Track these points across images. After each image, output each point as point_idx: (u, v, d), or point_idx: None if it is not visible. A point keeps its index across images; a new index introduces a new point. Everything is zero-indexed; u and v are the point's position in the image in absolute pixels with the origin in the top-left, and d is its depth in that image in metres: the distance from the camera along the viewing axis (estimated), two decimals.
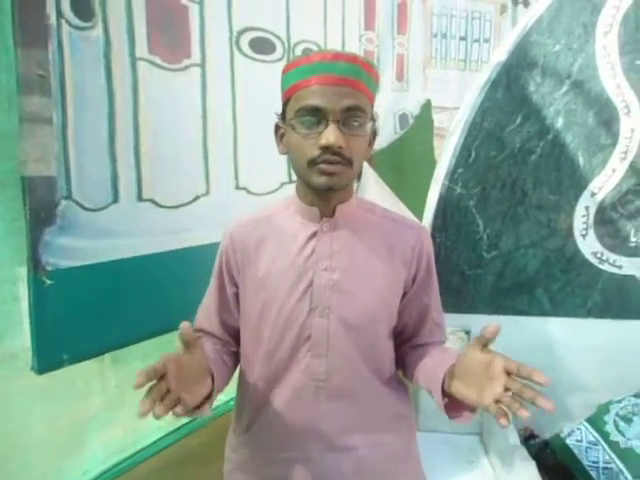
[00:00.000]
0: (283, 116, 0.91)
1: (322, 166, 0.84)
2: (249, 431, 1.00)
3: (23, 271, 1.21)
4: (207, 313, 1.04)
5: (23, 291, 1.23)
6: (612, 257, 1.56)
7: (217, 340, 1.04)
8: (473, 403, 0.78)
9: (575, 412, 1.58)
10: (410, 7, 2.38)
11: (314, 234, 0.93)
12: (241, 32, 1.67)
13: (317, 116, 0.83)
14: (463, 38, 2.58)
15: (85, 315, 1.32)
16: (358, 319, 0.93)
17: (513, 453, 1.36)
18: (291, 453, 0.96)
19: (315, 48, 1.93)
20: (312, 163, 0.84)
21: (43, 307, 1.22)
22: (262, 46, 1.74)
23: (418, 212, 1.61)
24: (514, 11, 2.62)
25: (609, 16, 1.42)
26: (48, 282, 1.22)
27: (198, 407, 0.80)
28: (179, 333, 0.77)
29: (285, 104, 0.89)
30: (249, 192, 1.78)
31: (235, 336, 1.04)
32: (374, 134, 0.93)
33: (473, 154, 1.50)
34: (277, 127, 0.93)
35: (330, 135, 0.81)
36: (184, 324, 0.77)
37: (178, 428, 1.74)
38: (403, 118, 2.46)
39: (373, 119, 0.89)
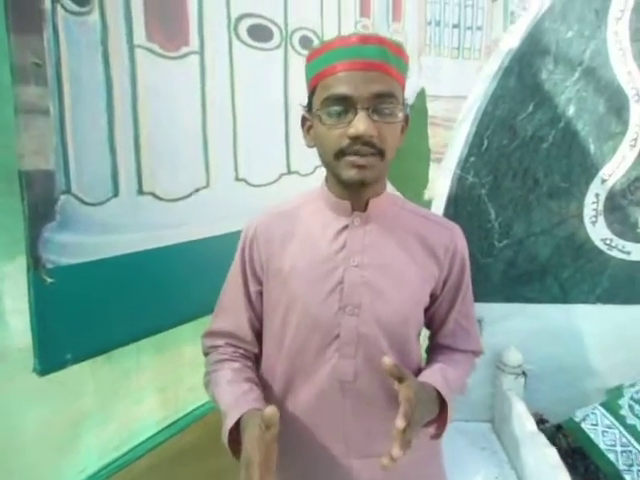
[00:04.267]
0: (309, 107, 0.86)
1: (351, 158, 0.79)
2: None
3: (10, 267, 1.16)
4: (231, 313, 0.98)
5: (8, 288, 1.17)
6: (621, 243, 1.58)
7: (238, 345, 0.98)
8: None
9: (584, 396, 1.60)
10: None
11: (344, 228, 0.89)
12: (239, 19, 1.62)
13: (345, 105, 0.78)
14: (456, 26, 2.56)
15: (87, 313, 1.26)
16: (390, 318, 0.89)
17: (532, 440, 1.37)
18: (314, 457, 0.93)
19: (312, 35, 1.88)
20: (340, 154, 0.80)
21: (44, 306, 1.16)
22: (260, 33, 1.68)
23: (415, 200, 1.60)
24: None
25: (621, 2, 1.40)
26: (49, 280, 1.16)
27: None
28: (265, 417, 0.67)
29: (311, 94, 0.84)
30: (248, 184, 1.73)
31: (257, 336, 1.00)
32: (406, 121, 0.88)
33: (485, 142, 1.48)
34: (304, 119, 0.88)
35: (360, 124, 0.76)
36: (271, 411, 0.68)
37: (172, 424, 1.70)
38: None
39: (404, 105, 0.83)
